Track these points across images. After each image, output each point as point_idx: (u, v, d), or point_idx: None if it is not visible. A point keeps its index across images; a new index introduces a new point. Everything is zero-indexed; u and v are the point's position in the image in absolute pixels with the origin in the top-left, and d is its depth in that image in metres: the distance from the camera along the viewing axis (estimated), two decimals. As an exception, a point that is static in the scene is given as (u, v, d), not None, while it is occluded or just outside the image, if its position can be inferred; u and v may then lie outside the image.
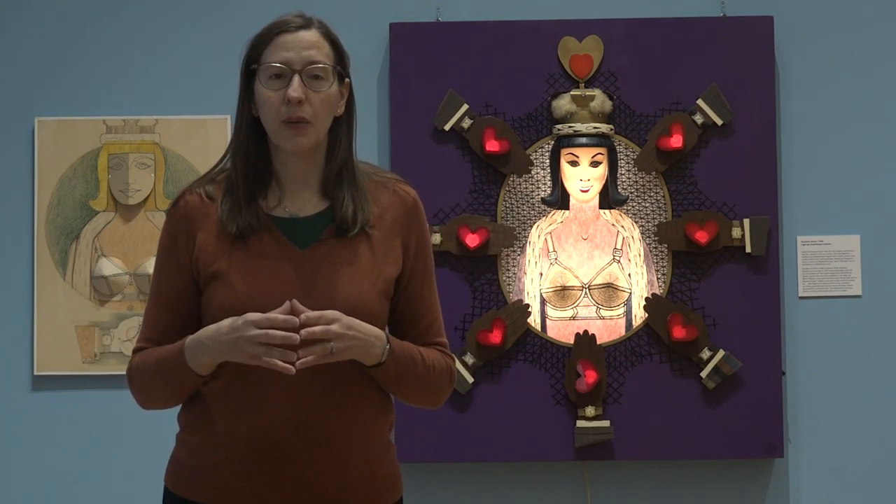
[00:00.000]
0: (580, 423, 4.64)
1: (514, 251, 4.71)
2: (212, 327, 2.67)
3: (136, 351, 2.80)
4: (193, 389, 2.74)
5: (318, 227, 2.76)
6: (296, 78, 2.71)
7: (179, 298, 2.77)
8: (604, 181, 4.70)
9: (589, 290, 4.70)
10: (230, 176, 2.78)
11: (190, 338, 2.70)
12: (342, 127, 2.80)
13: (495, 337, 4.65)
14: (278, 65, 2.71)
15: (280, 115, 2.71)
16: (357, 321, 2.66)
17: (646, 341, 4.69)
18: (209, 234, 2.76)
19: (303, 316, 2.60)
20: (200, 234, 2.76)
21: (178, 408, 2.82)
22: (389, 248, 2.79)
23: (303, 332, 2.60)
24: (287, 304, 2.62)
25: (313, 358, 2.61)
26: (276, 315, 2.61)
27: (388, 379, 2.74)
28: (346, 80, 2.79)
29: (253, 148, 2.78)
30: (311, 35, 2.74)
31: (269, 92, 2.72)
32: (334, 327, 2.62)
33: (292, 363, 2.60)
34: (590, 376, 4.62)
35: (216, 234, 2.75)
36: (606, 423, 4.63)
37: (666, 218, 4.71)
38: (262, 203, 2.77)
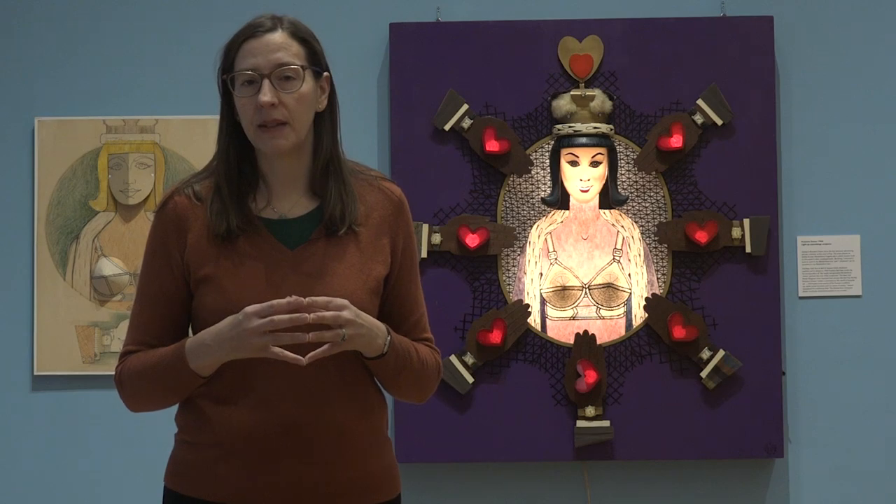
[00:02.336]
0: (580, 423, 4.64)
1: (514, 251, 4.71)
2: (213, 328, 2.67)
3: (124, 354, 2.80)
4: (191, 391, 2.74)
5: (307, 227, 2.77)
6: (265, 83, 2.71)
7: (170, 301, 2.77)
8: (604, 181, 4.70)
9: (589, 290, 4.70)
10: (216, 180, 2.78)
11: (189, 340, 2.70)
12: (325, 122, 2.80)
13: (495, 337, 4.65)
14: (247, 71, 2.72)
15: (255, 121, 2.72)
16: (361, 311, 2.67)
17: (646, 341, 4.69)
18: (199, 236, 2.76)
19: (309, 299, 2.60)
20: (190, 236, 2.76)
21: (175, 408, 2.82)
22: (378, 247, 2.79)
23: (312, 316, 2.60)
24: (290, 298, 2.62)
25: (326, 348, 2.62)
26: (278, 300, 2.60)
27: (387, 371, 2.75)
28: (325, 74, 2.79)
29: (234, 153, 2.78)
30: (277, 37, 2.74)
31: (243, 99, 2.73)
32: (345, 314, 2.62)
33: (302, 355, 2.60)
34: (590, 376, 4.62)
35: (206, 237, 2.75)
36: (606, 423, 4.63)
37: (666, 218, 4.71)
38: (251, 205, 2.77)
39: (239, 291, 2.70)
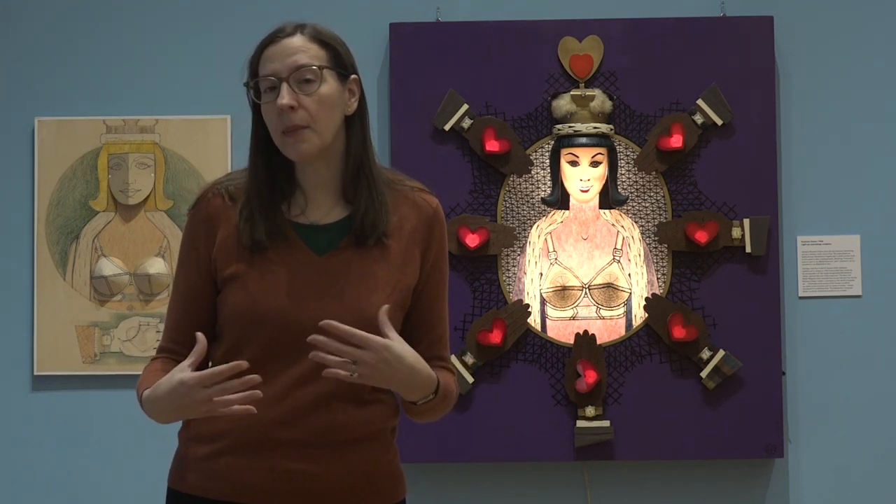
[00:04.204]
0: (580, 423, 4.64)
1: (514, 251, 4.71)
2: (156, 393, 2.63)
3: (158, 350, 2.80)
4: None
5: (336, 234, 2.76)
6: (283, 86, 2.69)
7: (197, 298, 2.77)
8: (604, 181, 4.70)
9: (589, 290, 4.70)
10: (247, 191, 2.77)
11: (144, 396, 2.67)
12: (354, 125, 2.78)
13: (495, 337, 4.65)
14: (268, 77, 2.71)
15: (279, 127, 2.71)
16: (409, 362, 2.62)
17: (646, 341, 4.69)
18: (229, 236, 2.75)
19: (325, 323, 2.56)
20: (220, 235, 2.76)
21: None
22: (408, 258, 2.77)
23: (328, 344, 2.56)
24: (201, 339, 2.59)
25: (330, 371, 2.58)
26: (222, 368, 2.55)
27: (415, 411, 2.75)
28: (354, 77, 2.78)
29: (263, 165, 2.76)
30: (296, 41, 2.73)
31: (266, 105, 2.72)
32: (364, 354, 2.57)
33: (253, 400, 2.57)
34: (590, 376, 4.62)
35: (236, 237, 2.75)
36: (606, 423, 4.63)
37: (666, 218, 4.71)
38: (285, 210, 2.76)
39: (263, 293, 2.70)
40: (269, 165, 2.77)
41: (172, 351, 2.78)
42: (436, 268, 2.81)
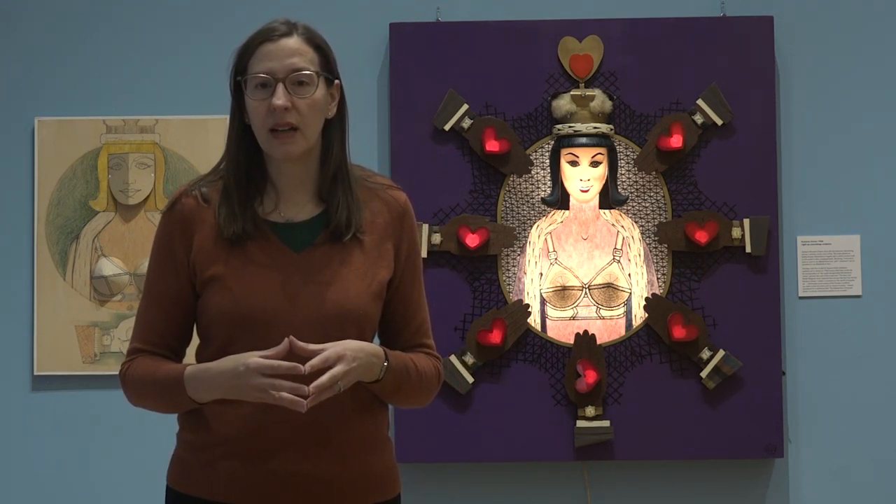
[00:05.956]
0: (580, 423, 4.64)
1: (514, 251, 4.71)
2: (213, 368, 2.69)
3: (131, 352, 2.81)
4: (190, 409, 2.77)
5: (312, 231, 2.79)
6: (279, 86, 2.73)
7: (176, 301, 2.79)
8: (604, 181, 4.70)
9: (589, 290, 4.70)
10: (225, 182, 2.79)
11: (188, 371, 2.72)
12: (335, 129, 2.82)
13: (495, 337, 4.65)
14: (262, 75, 2.74)
15: (267, 124, 2.74)
16: (357, 348, 2.69)
17: (646, 341, 4.69)
18: (206, 237, 2.77)
19: (307, 367, 2.62)
20: (197, 238, 2.78)
21: None
22: (382, 252, 2.82)
23: (307, 369, 2.62)
24: (286, 341, 2.64)
25: (324, 393, 2.64)
26: (281, 363, 2.62)
27: (385, 391, 2.79)
28: (336, 82, 2.81)
29: (244, 156, 2.80)
30: (293, 42, 2.76)
31: (255, 102, 2.75)
32: (338, 370, 2.64)
33: (303, 396, 2.63)
34: (590, 376, 4.62)
35: (213, 238, 2.77)
36: (606, 423, 4.63)
37: (666, 218, 4.71)
38: (258, 208, 2.79)
39: (246, 293, 2.73)
40: (248, 158, 2.80)
41: (150, 353, 2.80)
42: (409, 259, 2.87)
